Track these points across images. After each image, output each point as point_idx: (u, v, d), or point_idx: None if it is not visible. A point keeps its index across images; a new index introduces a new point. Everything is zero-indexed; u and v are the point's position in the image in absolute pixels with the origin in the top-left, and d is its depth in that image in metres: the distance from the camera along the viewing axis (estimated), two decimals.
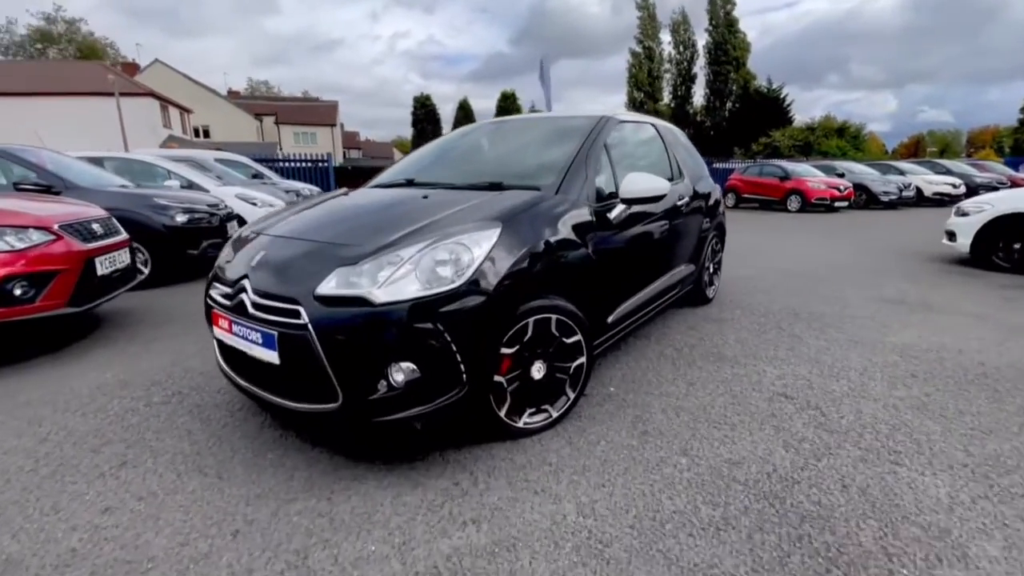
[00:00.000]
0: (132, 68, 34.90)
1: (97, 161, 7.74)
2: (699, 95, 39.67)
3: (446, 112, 40.82)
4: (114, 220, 3.98)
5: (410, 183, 2.81)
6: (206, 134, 35.45)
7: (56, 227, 3.19)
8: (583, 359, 2.23)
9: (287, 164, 15.36)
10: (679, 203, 3.33)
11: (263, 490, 1.81)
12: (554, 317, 2.08)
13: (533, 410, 2.14)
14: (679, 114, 38.92)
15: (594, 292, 2.38)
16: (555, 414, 2.19)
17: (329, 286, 1.76)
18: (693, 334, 3.52)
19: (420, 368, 1.72)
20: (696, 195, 3.71)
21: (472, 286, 1.78)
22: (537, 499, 1.76)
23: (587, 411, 2.38)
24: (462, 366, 1.77)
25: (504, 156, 3.11)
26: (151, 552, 1.53)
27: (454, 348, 1.75)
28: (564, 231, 2.18)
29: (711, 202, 4.08)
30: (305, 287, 1.78)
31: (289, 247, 2.02)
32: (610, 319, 2.57)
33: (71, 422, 2.32)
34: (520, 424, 2.10)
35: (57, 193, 4.85)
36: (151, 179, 7.94)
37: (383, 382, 1.73)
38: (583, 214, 2.32)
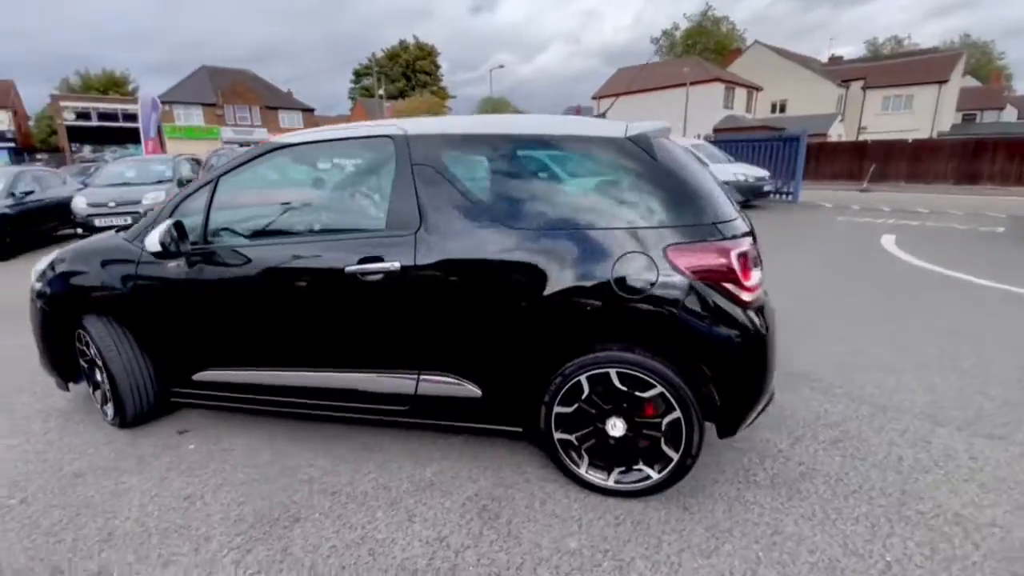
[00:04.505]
0: (735, 54, 38.89)
1: None
2: None
3: None
4: None
5: None
6: (782, 108, 35.55)
7: None
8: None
9: (749, 143, 14.24)
10: (359, 270, 2.09)
11: None
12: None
13: None
14: None
15: (155, 331, 2.50)
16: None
17: None
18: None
19: None
20: (468, 265, 2.01)
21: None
22: None
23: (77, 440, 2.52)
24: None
25: None
26: None
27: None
28: (105, 260, 2.52)
29: (565, 286, 1.93)
30: None
31: None
32: (197, 377, 2.50)
33: None
34: None
35: None
36: None
37: None
38: (130, 251, 2.45)
